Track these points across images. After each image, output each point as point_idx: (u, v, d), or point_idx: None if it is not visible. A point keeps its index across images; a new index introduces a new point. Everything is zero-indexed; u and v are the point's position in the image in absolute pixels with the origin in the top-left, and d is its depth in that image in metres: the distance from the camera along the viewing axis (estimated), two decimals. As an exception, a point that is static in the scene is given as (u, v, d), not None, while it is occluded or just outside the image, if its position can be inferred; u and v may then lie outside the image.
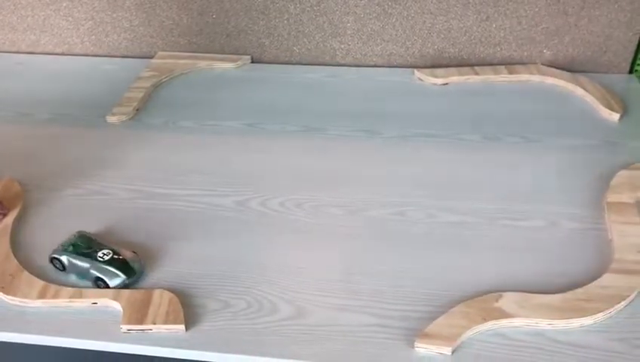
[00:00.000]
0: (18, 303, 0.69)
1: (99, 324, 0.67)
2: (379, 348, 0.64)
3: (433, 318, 0.66)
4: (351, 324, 0.66)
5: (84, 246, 0.73)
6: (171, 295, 0.69)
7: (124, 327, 0.66)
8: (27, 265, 0.74)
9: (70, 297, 0.69)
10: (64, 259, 0.72)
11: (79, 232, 0.75)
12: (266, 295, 0.70)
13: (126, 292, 0.69)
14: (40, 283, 0.71)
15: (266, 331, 0.66)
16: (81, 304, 0.69)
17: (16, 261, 0.74)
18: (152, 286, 0.71)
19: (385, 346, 0.64)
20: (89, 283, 0.71)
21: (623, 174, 0.84)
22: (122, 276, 0.70)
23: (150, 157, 0.94)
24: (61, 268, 0.73)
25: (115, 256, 0.71)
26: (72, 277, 0.72)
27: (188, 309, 0.68)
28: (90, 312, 0.69)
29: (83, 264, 0.71)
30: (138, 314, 0.67)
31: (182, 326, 0.65)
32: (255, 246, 0.77)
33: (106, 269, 0.70)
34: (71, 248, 0.72)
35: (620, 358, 0.61)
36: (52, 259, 0.73)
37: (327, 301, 0.69)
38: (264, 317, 0.67)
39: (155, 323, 0.66)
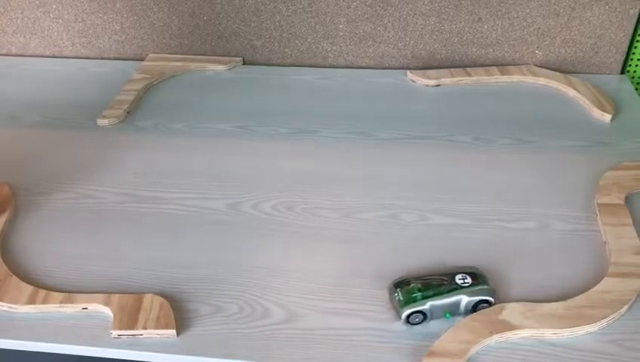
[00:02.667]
0: (7, 309, 0.69)
1: (89, 330, 0.67)
2: (373, 352, 0.63)
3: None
4: (344, 328, 0.66)
5: (427, 285, 0.65)
6: (162, 299, 0.68)
7: (115, 332, 0.65)
8: (16, 269, 0.74)
9: (60, 302, 0.69)
10: (426, 308, 0.64)
11: (398, 281, 0.67)
12: (258, 299, 0.70)
13: (116, 297, 0.69)
14: (29, 288, 0.70)
15: (258, 336, 0.65)
16: (72, 309, 0.69)
17: (4, 266, 0.73)
18: (143, 291, 0.70)
19: (379, 350, 0.63)
20: (457, 317, 0.66)
21: (610, 175, 0.84)
22: (491, 286, 0.66)
23: (141, 160, 0.93)
24: (420, 320, 0.65)
25: (471, 276, 0.66)
26: (434, 323, 0.65)
27: (179, 314, 0.68)
28: (80, 317, 0.68)
29: (451, 299, 0.64)
30: (129, 319, 0.66)
31: (173, 331, 0.65)
32: (247, 250, 0.76)
33: (481, 289, 0.65)
34: (420, 295, 0.65)
35: (612, 360, 0.61)
36: (408, 317, 0.65)
37: (319, 304, 0.69)
38: (256, 322, 0.67)
39: (145, 328, 0.65)
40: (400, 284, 0.67)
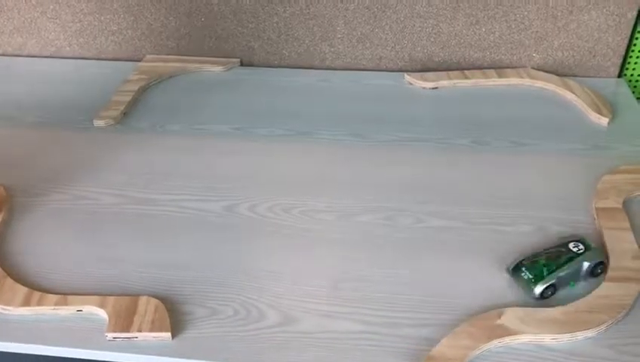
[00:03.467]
0: (1, 310, 0.68)
1: (84, 332, 0.66)
2: (370, 356, 0.63)
3: (422, 325, 0.66)
4: (340, 331, 0.66)
5: (546, 260, 0.69)
6: (157, 302, 0.68)
7: (110, 335, 0.65)
8: (11, 271, 0.73)
9: (55, 304, 0.68)
10: (554, 281, 0.67)
11: (514, 265, 0.70)
12: (253, 302, 0.69)
13: (111, 299, 0.68)
14: (24, 289, 0.70)
15: (253, 339, 0.65)
16: (66, 311, 0.68)
17: (-1, 267, 0.73)
18: (138, 293, 0.70)
19: (374, 354, 0.63)
20: (581, 283, 0.70)
21: (607, 179, 0.84)
22: (600, 248, 0.71)
23: (137, 162, 0.93)
24: (552, 293, 0.68)
25: (580, 242, 0.71)
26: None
27: (174, 316, 0.67)
28: (75, 319, 0.68)
29: (574, 268, 0.69)
30: (124, 322, 0.66)
31: (168, 334, 0.65)
32: (243, 252, 0.76)
33: (594, 253, 0.70)
34: (546, 270, 0.68)
35: (609, 365, 0.61)
36: (542, 293, 0.67)
37: (315, 307, 0.68)
38: (252, 324, 0.67)
39: (140, 331, 0.65)
40: (520, 266, 0.70)
